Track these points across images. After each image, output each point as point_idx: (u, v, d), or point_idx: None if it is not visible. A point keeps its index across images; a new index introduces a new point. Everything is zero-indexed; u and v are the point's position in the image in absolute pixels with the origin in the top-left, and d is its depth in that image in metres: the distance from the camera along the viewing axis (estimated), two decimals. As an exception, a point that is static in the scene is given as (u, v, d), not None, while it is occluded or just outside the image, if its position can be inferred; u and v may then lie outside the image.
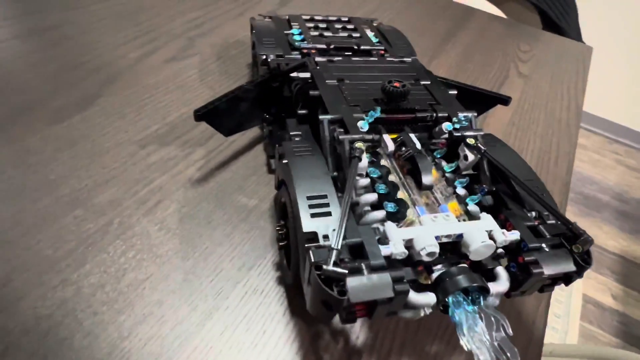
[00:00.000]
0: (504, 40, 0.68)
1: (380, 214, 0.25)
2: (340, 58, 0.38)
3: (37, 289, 0.28)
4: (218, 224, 0.33)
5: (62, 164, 0.36)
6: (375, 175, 0.27)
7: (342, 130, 0.27)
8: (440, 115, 0.30)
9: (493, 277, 0.24)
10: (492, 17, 0.75)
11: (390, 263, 0.23)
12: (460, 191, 0.28)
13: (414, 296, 0.22)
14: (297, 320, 0.28)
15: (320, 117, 0.28)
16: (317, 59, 0.36)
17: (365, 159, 0.26)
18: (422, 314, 0.23)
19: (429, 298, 0.22)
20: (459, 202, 0.27)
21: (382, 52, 0.42)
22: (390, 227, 0.23)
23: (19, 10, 0.56)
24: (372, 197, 0.26)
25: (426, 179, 0.26)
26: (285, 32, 0.43)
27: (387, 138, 0.29)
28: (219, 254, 0.31)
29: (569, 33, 0.90)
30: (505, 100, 0.40)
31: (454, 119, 0.29)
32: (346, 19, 0.48)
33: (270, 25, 0.44)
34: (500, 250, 0.25)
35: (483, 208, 0.28)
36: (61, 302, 0.27)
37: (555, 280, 0.25)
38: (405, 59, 0.39)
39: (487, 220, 0.25)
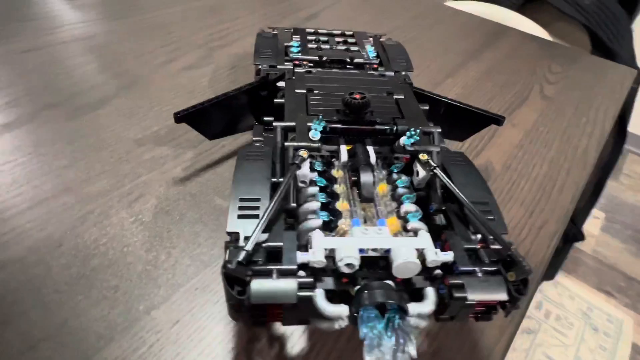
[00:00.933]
0: (534, 61, 0.64)
1: (316, 222, 0.25)
2: (318, 69, 0.38)
3: (13, 265, 0.31)
4: (189, 222, 0.35)
5: (66, 155, 0.40)
6: (321, 184, 0.27)
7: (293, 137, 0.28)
8: (400, 128, 0.29)
9: (421, 298, 0.23)
10: (527, 36, 0.71)
11: (315, 272, 0.23)
12: (411, 207, 0.27)
13: (324, 305, 0.22)
14: (238, 323, 0.29)
15: (274, 123, 0.29)
16: (296, 69, 0.37)
17: (306, 167, 0.26)
18: (336, 326, 0.23)
19: (341, 310, 0.22)
20: (399, 218, 0.26)
21: (376, 66, 0.42)
22: (315, 235, 0.23)
23: (73, 18, 0.63)
24: (313, 205, 0.26)
25: (365, 191, 0.26)
26: (285, 44, 0.45)
27: (343, 149, 0.29)
28: (181, 249, 0.33)
29: (621, 56, 0.83)
30: (498, 120, 0.39)
31: (408, 133, 0.28)
32: (350, 33, 0.48)
33: (271, 38, 0.46)
34: (438, 271, 0.24)
35: (436, 227, 0.27)
36: (31, 278, 0.30)
37: (490, 308, 0.23)
38: (386, 73, 0.39)
39: (422, 239, 0.24)
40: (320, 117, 0.28)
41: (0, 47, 0.54)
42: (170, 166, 0.40)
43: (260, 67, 0.41)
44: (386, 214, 0.26)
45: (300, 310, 0.21)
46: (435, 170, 0.26)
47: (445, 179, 0.26)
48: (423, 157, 0.27)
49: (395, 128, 0.29)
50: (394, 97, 0.34)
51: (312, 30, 0.48)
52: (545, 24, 0.97)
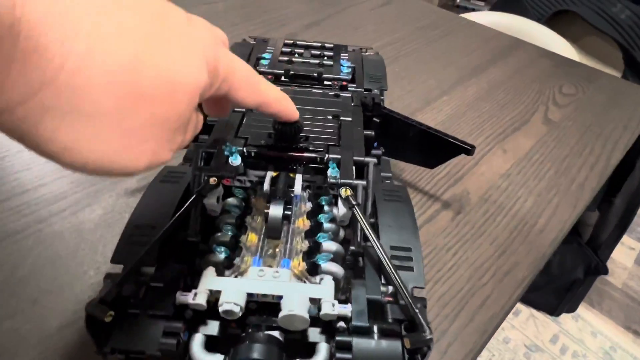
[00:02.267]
0: (544, 79, 0.59)
1: (214, 257, 0.23)
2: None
3: (-55, 267, 0.31)
4: (128, 236, 0.34)
5: (27, 158, 0.40)
6: (235, 214, 0.25)
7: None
8: (331, 157, 0.27)
9: (312, 353, 0.21)
10: (542, 52, 0.66)
11: (200, 315, 0.21)
12: (330, 246, 0.24)
13: (198, 353, 0.20)
14: None
15: (195, 144, 0.27)
16: None
17: (213, 195, 0.24)
18: (215, 377, 0.21)
19: (215, 359, 0.20)
20: (305, 259, 0.23)
21: (345, 83, 0.39)
22: (206, 273, 0.22)
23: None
24: (221, 236, 0.24)
25: (270, 226, 0.23)
26: (258, 55, 0.43)
27: (269, 175, 0.27)
28: (112, 265, 0.32)
29: (656, 76, 0.76)
30: (468, 150, 0.35)
31: (330, 165, 0.25)
32: (330, 45, 0.46)
33: (246, 48, 0.44)
34: (341, 324, 0.21)
35: (357, 269, 0.24)
36: (-42, 283, 0.30)
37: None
38: (341, 94, 0.36)
39: (322, 287, 0.21)
40: (233, 144, 0.26)
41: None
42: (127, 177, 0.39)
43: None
44: (295, 253, 0.24)
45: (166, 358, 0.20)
46: (353, 209, 0.24)
47: (362, 220, 0.23)
48: (345, 192, 0.24)
49: (326, 156, 0.27)
50: (340, 120, 0.31)
51: (290, 42, 0.46)
52: (576, 38, 0.90)
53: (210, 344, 0.21)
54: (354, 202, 0.24)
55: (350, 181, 0.25)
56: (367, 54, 0.47)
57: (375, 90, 0.39)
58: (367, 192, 0.25)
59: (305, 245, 0.24)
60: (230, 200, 0.26)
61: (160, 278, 0.21)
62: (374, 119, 0.38)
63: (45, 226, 0.34)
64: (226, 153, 0.25)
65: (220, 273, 0.22)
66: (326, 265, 0.23)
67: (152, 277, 0.22)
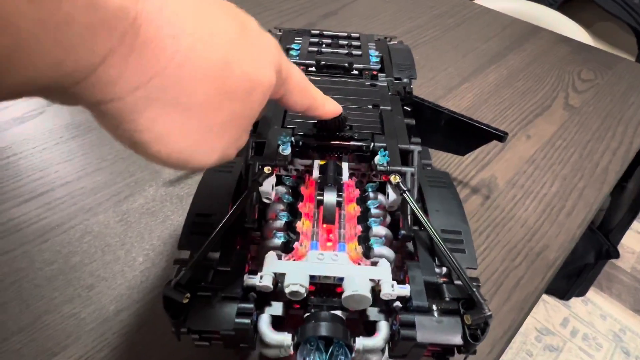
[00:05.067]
0: (563, 66, 0.60)
1: (274, 242, 0.24)
2: (312, 76, 0.37)
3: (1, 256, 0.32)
4: (171, 224, 0.35)
5: (69, 150, 0.41)
6: (287, 201, 0.26)
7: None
8: (377, 145, 0.28)
9: (374, 331, 0.22)
10: (560, 38, 0.66)
11: (263, 296, 0.22)
12: (380, 230, 0.25)
13: (267, 332, 0.21)
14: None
15: (252, 132, 0.28)
16: None
17: (269, 183, 0.25)
18: (280, 354, 0.22)
19: (283, 338, 0.21)
20: (363, 242, 0.25)
21: (375, 72, 0.40)
22: (268, 257, 0.23)
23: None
24: (277, 223, 0.25)
25: (325, 212, 0.24)
26: (287, 46, 0.44)
27: (316, 164, 0.28)
28: (159, 252, 0.33)
29: (671, 61, 0.76)
30: (500, 137, 0.36)
31: (380, 153, 0.26)
32: (356, 35, 0.47)
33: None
34: (397, 304, 0.22)
35: (407, 254, 0.25)
36: (15, 270, 0.31)
37: (447, 350, 0.22)
38: (377, 83, 0.37)
39: (380, 269, 0.23)
40: (284, 134, 0.27)
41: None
42: (162, 166, 0.40)
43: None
44: (349, 238, 0.25)
45: (237, 337, 0.21)
46: (404, 195, 0.25)
47: (414, 205, 0.24)
48: (394, 179, 0.25)
49: (372, 145, 0.28)
50: (380, 109, 0.32)
51: (317, 32, 0.47)
52: (589, 24, 0.90)
53: (275, 324, 0.22)
54: (404, 188, 0.25)
55: (400, 168, 0.26)
56: (392, 43, 0.47)
57: (405, 79, 0.40)
58: (414, 179, 0.26)
59: (358, 229, 0.25)
60: (281, 188, 0.27)
61: (226, 263, 0.23)
62: (405, 107, 0.38)
63: (91, 216, 0.35)
64: (279, 142, 0.26)
65: (279, 257, 0.23)
66: (379, 249, 0.24)
67: (219, 261, 0.23)
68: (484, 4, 0.78)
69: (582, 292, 1.14)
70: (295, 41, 0.44)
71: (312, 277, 0.22)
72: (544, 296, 1.14)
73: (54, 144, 0.42)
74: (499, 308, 0.31)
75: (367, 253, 0.24)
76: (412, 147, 0.28)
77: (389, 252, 0.24)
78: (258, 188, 0.25)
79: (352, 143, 0.28)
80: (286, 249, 0.24)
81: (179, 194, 0.38)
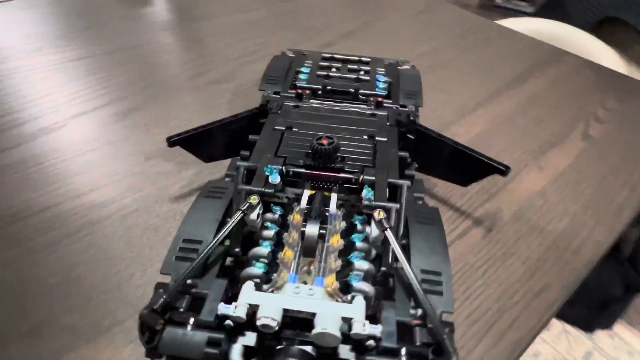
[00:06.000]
0: (586, 93, 0.58)
1: (253, 271, 0.25)
2: (312, 102, 0.38)
3: (12, 264, 0.34)
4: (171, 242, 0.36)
5: (83, 162, 0.43)
6: (273, 230, 0.27)
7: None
8: (366, 178, 0.28)
9: (342, 370, 0.22)
10: (586, 63, 0.64)
11: (239, 326, 0.23)
12: (362, 265, 0.25)
13: (236, 364, 0.22)
14: None
15: (237, 163, 0.29)
16: (286, 103, 0.37)
17: (255, 213, 0.26)
18: (251, 385, 0.22)
19: (251, 371, 0.22)
20: (339, 278, 0.25)
21: (380, 99, 0.40)
22: (245, 287, 0.23)
23: (120, 29, 0.68)
24: (260, 251, 0.26)
25: (306, 244, 0.25)
26: (297, 69, 0.44)
27: (306, 194, 0.29)
28: (157, 268, 0.34)
29: None
30: (502, 171, 0.35)
31: (365, 187, 0.26)
32: (367, 59, 0.47)
33: (285, 61, 0.46)
34: (370, 342, 0.22)
35: (387, 290, 0.25)
36: (25, 279, 0.33)
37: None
38: (377, 112, 0.37)
39: (355, 306, 0.23)
40: (274, 163, 0.28)
41: (53, 56, 0.60)
42: (170, 182, 0.42)
43: (264, 93, 0.41)
44: (329, 271, 0.25)
45: None
46: (385, 232, 0.25)
47: (394, 243, 0.24)
48: (378, 214, 0.25)
49: (361, 177, 0.28)
50: (376, 140, 0.32)
51: (328, 55, 0.47)
52: (625, 47, 0.86)
53: (248, 354, 0.23)
54: (386, 225, 0.25)
55: (384, 204, 0.26)
56: (403, 67, 0.47)
57: (411, 107, 0.39)
58: (400, 215, 0.26)
59: (338, 263, 0.26)
60: (269, 216, 0.28)
61: (204, 290, 0.23)
62: (409, 135, 0.38)
63: (98, 229, 0.37)
64: (267, 172, 0.27)
65: (258, 287, 0.24)
66: (358, 284, 0.24)
67: (198, 288, 0.23)
68: (509, 24, 0.77)
69: (608, 325, 1.08)
70: (306, 64, 0.45)
71: (286, 310, 0.22)
72: (567, 326, 1.09)
73: (73, 155, 0.44)
74: (489, 349, 0.30)
75: (345, 288, 0.24)
76: (401, 182, 0.28)
77: (368, 287, 0.24)
78: (242, 217, 0.25)
79: (341, 175, 0.28)
80: (265, 279, 0.25)
81: (183, 211, 0.39)
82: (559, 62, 0.64)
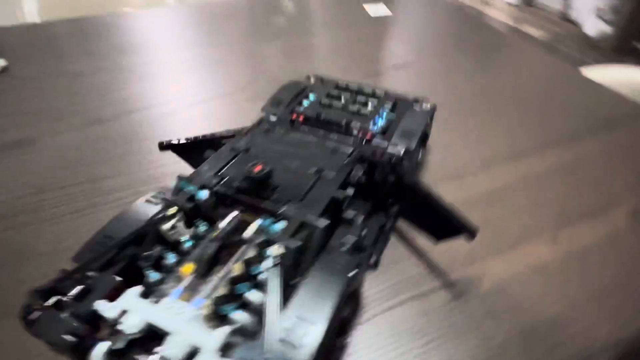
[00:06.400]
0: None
1: (149, 278, 0.26)
2: (303, 128, 0.38)
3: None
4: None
5: (109, 158, 0.50)
6: (187, 244, 0.28)
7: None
8: (284, 212, 0.27)
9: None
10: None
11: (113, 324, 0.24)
12: (250, 295, 0.25)
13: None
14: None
15: (178, 175, 0.30)
16: (278, 126, 0.38)
17: (170, 223, 0.27)
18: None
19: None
20: (218, 303, 0.24)
21: (369, 136, 0.39)
22: (129, 292, 0.25)
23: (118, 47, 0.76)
24: (154, 259, 0.27)
25: (198, 261, 0.25)
26: (305, 95, 0.45)
27: (230, 217, 0.29)
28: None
29: None
30: (470, 233, 0.31)
31: (265, 220, 0.26)
32: (381, 92, 0.46)
33: (297, 86, 0.47)
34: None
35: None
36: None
37: None
38: (340, 147, 0.35)
39: (213, 337, 0.22)
40: (182, 183, 0.29)
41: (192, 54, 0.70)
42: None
43: (264, 114, 0.43)
44: (211, 295, 0.25)
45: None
46: (273, 269, 0.24)
47: (273, 282, 0.23)
48: (276, 249, 0.25)
49: (282, 209, 0.28)
50: (321, 175, 0.31)
51: (344, 85, 0.47)
52: None
53: (113, 356, 0.24)
54: (274, 262, 0.24)
55: (283, 241, 0.25)
56: (420, 106, 0.45)
57: (399, 147, 0.37)
58: (304, 256, 0.25)
59: (225, 290, 0.26)
60: (185, 229, 0.29)
61: (94, 284, 0.25)
62: (389, 176, 0.36)
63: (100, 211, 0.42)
64: (190, 189, 0.28)
65: (145, 294, 0.25)
66: (233, 314, 0.24)
67: (91, 281, 0.25)
68: (596, 73, 0.67)
69: None
70: (316, 91, 0.46)
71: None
72: None
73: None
74: None
75: (222, 316, 0.24)
76: (315, 223, 0.27)
77: (243, 318, 0.24)
78: (157, 225, 0.27)
79: (261, 205, 0.28)
80: (155, 288, 0.26)
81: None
82: (634, 122, 0.54)
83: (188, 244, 0.28)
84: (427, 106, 0.45)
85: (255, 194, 0.29)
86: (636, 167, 0.48)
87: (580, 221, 0.41)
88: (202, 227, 0.29)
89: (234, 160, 0.32)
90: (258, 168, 0.29)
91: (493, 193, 0.44)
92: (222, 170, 0.31)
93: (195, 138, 0.40)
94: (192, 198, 0.29)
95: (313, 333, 0.22)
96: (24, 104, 0.57)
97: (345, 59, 0.70)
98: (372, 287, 0.35)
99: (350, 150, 0.35)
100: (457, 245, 0.36)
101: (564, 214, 0.42)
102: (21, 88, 0.60)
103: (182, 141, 0.40)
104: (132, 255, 0.27)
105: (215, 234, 0.27)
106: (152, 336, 0.23)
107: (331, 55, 0.72)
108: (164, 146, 0.40)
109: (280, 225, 0.27)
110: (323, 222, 0.27)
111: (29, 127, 0.52)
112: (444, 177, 0.46)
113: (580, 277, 0.36)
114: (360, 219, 0.31)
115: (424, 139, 0.46)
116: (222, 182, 0.30)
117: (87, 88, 0.60)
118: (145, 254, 0.27)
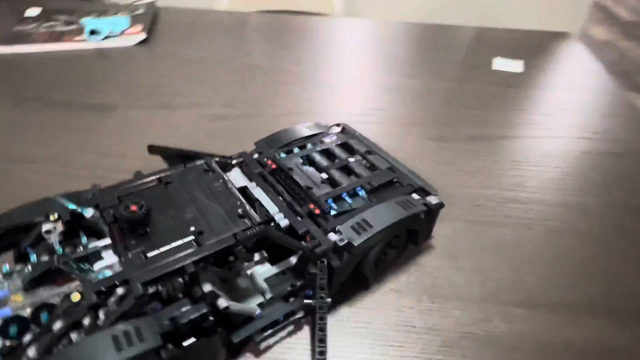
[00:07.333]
0: None
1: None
2: (220, 176, 0.37)
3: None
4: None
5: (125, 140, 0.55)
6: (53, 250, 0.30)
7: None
8: (128, 254, 0.27)
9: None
10: None
11: None
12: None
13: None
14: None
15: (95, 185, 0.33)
16: (252, 165, 0.39)
17: (46, 226, 0.29)
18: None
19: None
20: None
21: (317, 212, 0.34)
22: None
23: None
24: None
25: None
26: (295, 144, 0.43)
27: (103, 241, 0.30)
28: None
29: None
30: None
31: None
32: (372, 159, 0.40)
33: (302, 132, 0.44)
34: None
35: None
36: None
37: None
38: (247, 218, 0.31)
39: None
40: (56, 198, 0.30)
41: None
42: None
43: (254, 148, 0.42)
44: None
45: None
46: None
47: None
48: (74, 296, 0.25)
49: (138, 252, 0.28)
50: (200, 236, 0.29)
51: (351, 144, 0.42)
52: None
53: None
54: (75, 301, 0.24)
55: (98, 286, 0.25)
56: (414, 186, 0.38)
57: (336, 237, 0.32)
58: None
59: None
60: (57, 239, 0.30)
61: None
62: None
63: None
64: (74, 207, 0.30)
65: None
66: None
67: None
68: None
69: None
70: (315, 144, 0.43)
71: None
72: None
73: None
74: None
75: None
76: (134, 285, 0.25)
77: None
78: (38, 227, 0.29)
79: (124, 241, 0.28)
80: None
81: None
82: None
83: (56, 250, 0.29)
84: (431, 201, 0.37)
85: (128, 229, 0.29)
86: None
87: None
88: (83, 239, 0.31)
89: (144, 188, 0.33)
90: (134, 208, 0.29)
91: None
92: (122, 196, 0.32)
93: (180, 150, 0.41)
94: (75, 212, 0.30)
95: None
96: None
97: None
98: None
99: (242, 228, 0.30)
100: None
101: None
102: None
103: (168, 149, 0.42)
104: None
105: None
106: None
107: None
108: (151, 149, 0.42)
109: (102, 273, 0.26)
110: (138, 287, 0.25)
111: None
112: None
113: None
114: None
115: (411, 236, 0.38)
116: (113, 207, 0.31)
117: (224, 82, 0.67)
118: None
